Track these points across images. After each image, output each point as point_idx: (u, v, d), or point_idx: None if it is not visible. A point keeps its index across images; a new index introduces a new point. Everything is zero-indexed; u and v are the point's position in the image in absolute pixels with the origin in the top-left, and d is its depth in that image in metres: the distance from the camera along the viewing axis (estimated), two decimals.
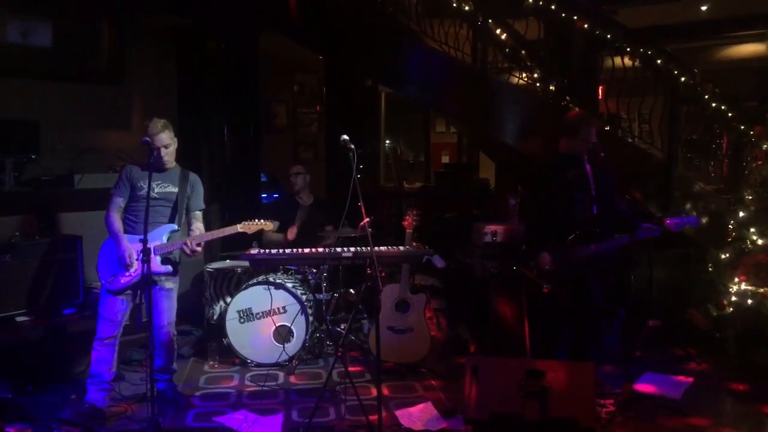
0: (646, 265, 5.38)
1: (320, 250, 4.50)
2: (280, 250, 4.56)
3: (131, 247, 4.29)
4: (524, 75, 6.42)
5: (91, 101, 6.66)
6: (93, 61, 6.54)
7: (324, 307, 5.62)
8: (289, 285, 5.39)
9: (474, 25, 6.14)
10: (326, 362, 5.49)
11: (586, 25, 5.82)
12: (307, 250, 4.51)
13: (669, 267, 5.77)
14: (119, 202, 4.41)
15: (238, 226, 4.52)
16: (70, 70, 6.41)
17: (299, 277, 5.68)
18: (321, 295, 5.64)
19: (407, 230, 5.10)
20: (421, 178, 11.16)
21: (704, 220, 5.92)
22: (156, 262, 4.35)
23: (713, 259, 5.71)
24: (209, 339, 5.60)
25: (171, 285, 4.53)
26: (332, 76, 8.98)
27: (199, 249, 4.41)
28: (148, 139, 4.12)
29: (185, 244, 4.36)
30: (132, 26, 6.88)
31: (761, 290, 5.28)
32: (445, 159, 11.34)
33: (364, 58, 6.48)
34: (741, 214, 5.65)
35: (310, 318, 5.36)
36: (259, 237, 5.89)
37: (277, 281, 5.38)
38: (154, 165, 4.26)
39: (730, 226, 5.72)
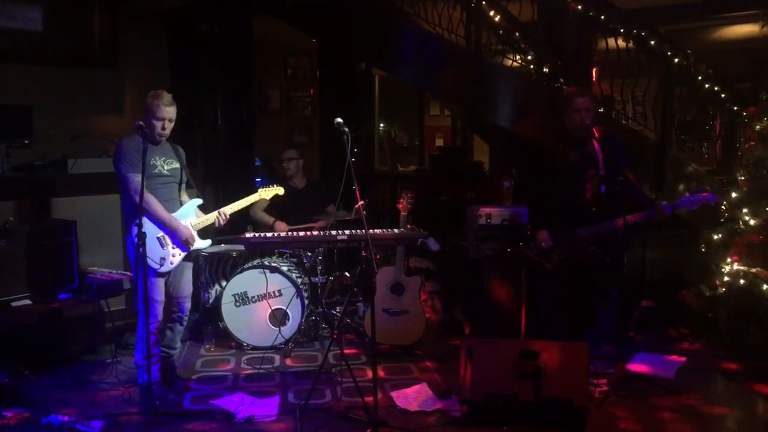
0: (639, 246, 5.41)
1: (315, 233, 4.51)
2: (275, 234, 4.57)
3: (186, 223, 4.37)
4: (518, 57, 6.41)
5: (83, 85, 6.63)
6: (85, 45, 6.50)
7: (319, 290, 5.64)
8: (285, 268, 5.40)
9: (467, 7, 6.12)
10: (322, 345, 5.52)
11: (579, 7, 5.81)
12: (301, 234, 4.52)
13: (662, 248, 5.79)
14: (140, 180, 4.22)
15: (259, 192, 4.80)
16: (62, 54, 6.38)
17: (294, 260, 5.69)
18: (316, 278, 5.66)
19: (402, 213, 5.10)
20: (415, 161, 11.16)
21: None
22: (197, 238, 4.41)
23: (706, 239, 5.73)
24: (205, 323, 5.61)
25: (191, 258, 4.60)
26: (325, 59, 8.94)
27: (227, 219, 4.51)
28: (141, 123, 4.06)
29: (219, 215, 4.43)
30: (124, 9, 6.83)
31: (753, 270, 5.30)
32: (440, 142, 11.34)
33: (357, 40, 6.46)
34: (734, 194, 5.65)
35: (306, 301, 5.38)
36: (251, 218, 5.93)
37: (273, 265, 5.39)
38: (151, 138, 4.19)
39: (723, 207, 5.74)
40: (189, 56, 7.28)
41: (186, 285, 4.55)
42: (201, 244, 4.46)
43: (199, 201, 4.53)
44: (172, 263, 4.32)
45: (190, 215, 4.45)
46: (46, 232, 4.98)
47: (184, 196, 4.57)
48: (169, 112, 4.25)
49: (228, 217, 4.49)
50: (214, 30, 7.16)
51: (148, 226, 4.19)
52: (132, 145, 4.13)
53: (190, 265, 4.58)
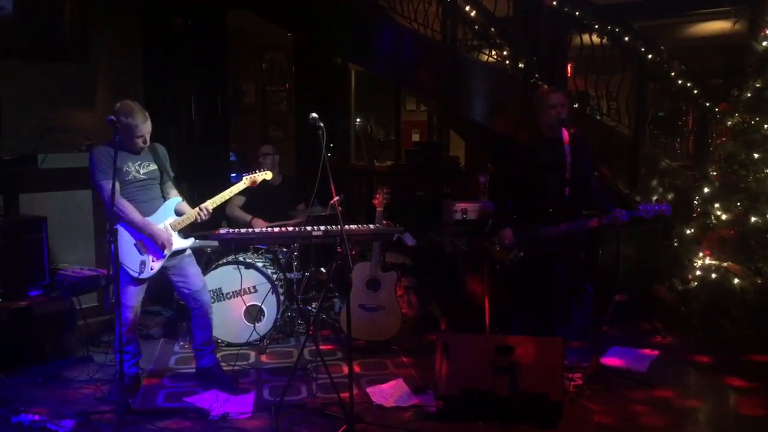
0: (613, 241, 5.45)
1: (290, 229, 4.48)
2: (250, 230, 4.53)
3: (165, 224, 4.30)
4: (494, 53, 6.42)
5: (54, 79, 6.49)
6: (55, 38, 6.37)
7: (295, 286, 5.62)
8: (260, 264, 5.37)
9: (443, 2, 6.12)
10: (297, 341, 5.50)
11: (554, 2, 5.83)
12: (276, 230, 4.49)
13: (636, 242, 5.84)
14: (116, 186, 4.11)
15: (244, 179, 4.53)
16: (32, 48, 6.23)
17: (269, 256, 5.66)
18: (292, 274, 5.63)
19: (377, 208, 5.10)
20: (391, 156, 11.14)
21: (670, 197, 6.01)
22: (178, 238, 4.34)
23: (679, 234, 5.80)
24: (179, 319, 5.57)
25: (190, 251, 4.54)
26: (301, 53, 8.90)
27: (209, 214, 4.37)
28: (113, 117, 4.01)
29: (200, 211, 4.31)
30: (96, 2, 6.71)
31: (725, 264, 5.37)
32: (416, 137, 11.32)
33: (333, 34, 6.43)
34: (706, 189, 5.72)
35: (281, 297, 5.35)
36: (227, 217, 5.88)
37: (247, 261, 5.35)
38: (132, 149, 4.26)
39: (695, 202, 5.81)
40: (163, 50, 7.17)
41: (195, 278, 4.50)
42: (181, 244, 4.38)
43: (179, 199, 4.44)
44: (152, 269, 4.27)
45: (169, 215, 4.37)
46: (15, 228, 4.89)
47: (173, 193, 4.49)
48: (147, 127, 4.25)
49: (210, 211, 4.35)
50: (188, 24, 7.07)
51: (124, 234, 4.19)
52: (103, 153, 4.17)
53: (190, 259, 4.52)
